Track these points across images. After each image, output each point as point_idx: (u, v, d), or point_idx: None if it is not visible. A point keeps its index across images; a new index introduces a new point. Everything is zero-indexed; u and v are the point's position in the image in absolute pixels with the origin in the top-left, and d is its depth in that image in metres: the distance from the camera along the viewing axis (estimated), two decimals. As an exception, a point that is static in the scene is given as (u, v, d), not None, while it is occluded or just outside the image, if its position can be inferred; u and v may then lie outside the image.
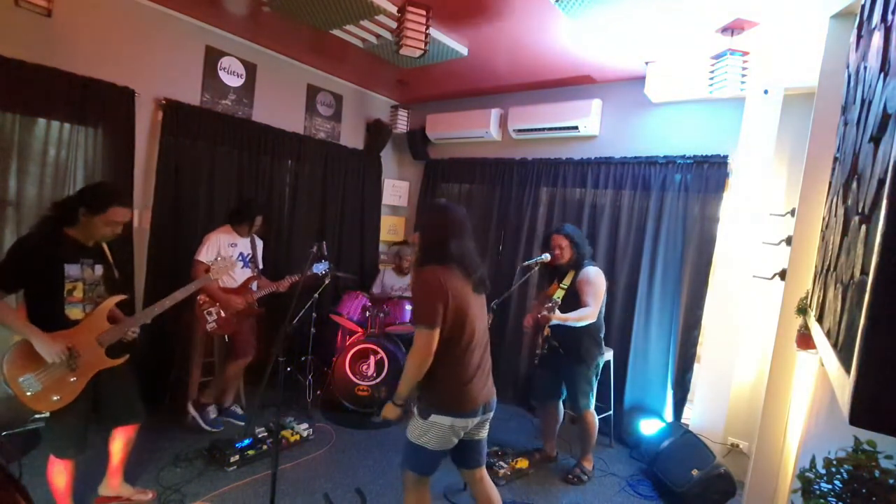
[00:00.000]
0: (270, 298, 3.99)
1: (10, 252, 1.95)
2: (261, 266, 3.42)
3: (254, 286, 3.31)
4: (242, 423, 3.32)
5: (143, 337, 3.29)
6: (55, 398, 1.95)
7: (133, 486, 2.44)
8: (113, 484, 2.36)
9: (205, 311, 3.14)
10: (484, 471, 2.10)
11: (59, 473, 2.09)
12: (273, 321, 4.03)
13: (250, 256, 3.35)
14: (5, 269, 1.92)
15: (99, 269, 2.14)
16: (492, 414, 2.01)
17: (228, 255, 3.05)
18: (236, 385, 3.45)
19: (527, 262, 3.10)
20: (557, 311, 2.67)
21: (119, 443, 2.29)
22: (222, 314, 3.17)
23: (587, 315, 2.77)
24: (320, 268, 3.30)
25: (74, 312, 2.03)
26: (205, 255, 3.09)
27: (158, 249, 3.37)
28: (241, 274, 3.27)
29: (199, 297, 3.14)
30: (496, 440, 3.42)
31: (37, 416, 1.96)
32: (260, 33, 3.76)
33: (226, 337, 3.31)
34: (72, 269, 2.01)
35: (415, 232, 2.08)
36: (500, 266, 4.39)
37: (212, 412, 3.24)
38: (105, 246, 2.22)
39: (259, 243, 3.45)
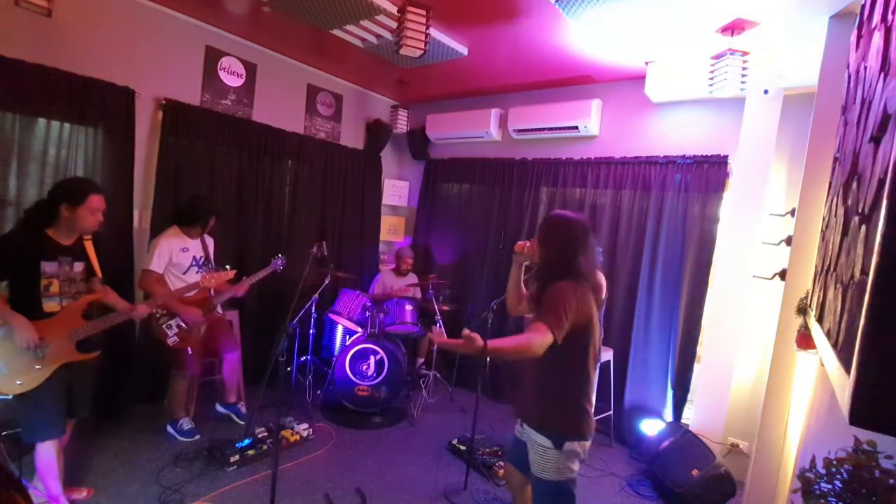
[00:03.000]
0: (272, 299, 4.02)
1: None
2: (213, 266, 3.18)
3: (211, 291, 3.07)
4: (242, 423, 3.31)
5: (143, 337, 3.32)
6: (18, 382, 2.04)
7: (77, 486, 2.37)
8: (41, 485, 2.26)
9: (163, 326, 2.89)
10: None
11: (44, 461, 2.13)
12: (273, 321, 4.05)
13: (203, 259, 3.11)
14: None
15: (78, 266, 2.21)
16: None
17: (181, 263, 2.96)
18: (235, 381, 3.37)
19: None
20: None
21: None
22: (183, 326, 2.92)
23: None
24: (277, 263, 3.21)
25: (51, 305, 2.12)
26: (156, 263, 2.87)
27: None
28: (195, 279, 2.92)
29: (154, 311, 2.87)
30: (496, 440, 3.42)
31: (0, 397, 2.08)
32: (260, 33, 3.76)
33: (188, 349, 3.00)
34: (48, 266, 2.11)
35: (536, 242, 1.92)
36: (500, 266, 4.39)
37: (185, 423, 3.09)
38: (90, 246, 2.27)
39: (210, 242, 3.21)
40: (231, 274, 2.79)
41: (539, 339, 1.58)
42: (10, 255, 2.04)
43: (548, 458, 1.74)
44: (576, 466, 1.76)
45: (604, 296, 2.38)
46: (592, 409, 1.82)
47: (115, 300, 2.33)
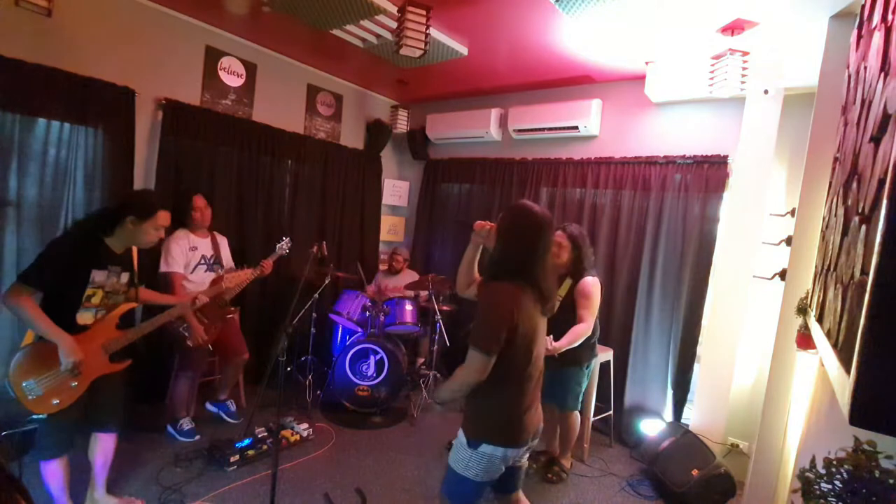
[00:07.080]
0: (272, 299, 4.02)
1: (47, 250, 1.95)
2: (229, 265, 3.25)
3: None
4: (233, 421, 3.31)
5: (144, 337, 3.32)
6: (55, 402, 1.99)
7: (120, 496, 2.36)
8: (95, 497, 2.27)
9: (180, 328, 2.90)
10: (521, 493, 1.96)
11: (53, 475, 2.10)
12: (273, 321, 4.04)
13: (214, 257, 3.16)
14: (43, 268, 1.92)
15: (125, 277, 2.17)
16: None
17: (188, 262, 2.98)
18: (234, 382, 3.43)
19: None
20: (552, 342, 2.51)
21: (96, 450, 2.23)
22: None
23: (583, 333, 2.65)
24: (282, 247, 3.19)
25: (85, 317, 2.05)
26: (172, 264, 2.93)
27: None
28: (206, 278, 3.07)
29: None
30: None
31: (34, 416, 1.99)
32: (260, 33, 3.76)
33: (209, 347, 3.10)
34: (98, 276, 2.04)
35: (496, 228, 1.83)
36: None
37: (186, 423, 3.09)
38: (135, 252, 2.24)
39: (222, 241, 3.28)
40: (250, 272, 2.76)
41: (472, 375, 1.64)
42: (66, 259, 1.94)
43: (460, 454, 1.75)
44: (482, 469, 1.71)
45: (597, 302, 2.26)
46: (523, 418, 1.74)
47: (158, 298, 2.32)
